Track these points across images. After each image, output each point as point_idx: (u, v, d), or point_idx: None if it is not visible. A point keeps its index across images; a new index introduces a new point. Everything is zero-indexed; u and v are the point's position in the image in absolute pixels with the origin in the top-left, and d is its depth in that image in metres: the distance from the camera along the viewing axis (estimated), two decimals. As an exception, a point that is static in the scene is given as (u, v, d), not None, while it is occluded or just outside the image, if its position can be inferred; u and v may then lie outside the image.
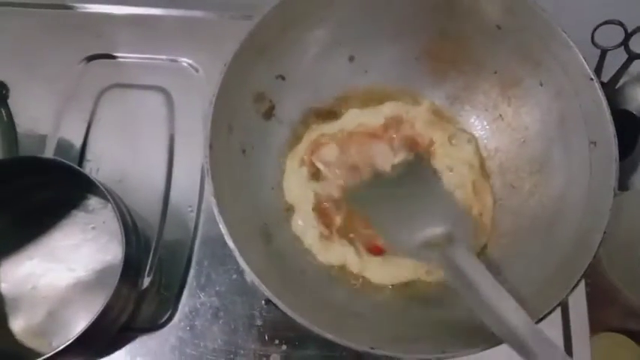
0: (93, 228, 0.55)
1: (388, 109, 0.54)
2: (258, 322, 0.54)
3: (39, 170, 0.52)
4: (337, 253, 0.49)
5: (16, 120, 0.63)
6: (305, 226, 0.50)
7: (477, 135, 0.55)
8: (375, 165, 0.53)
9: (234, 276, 0.55)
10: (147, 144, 0.62)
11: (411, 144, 0.54)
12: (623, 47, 0.59)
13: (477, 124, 0.55)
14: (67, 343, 0.44)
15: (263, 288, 0.40)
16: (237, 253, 0.40)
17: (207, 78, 0.65)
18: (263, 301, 0.54)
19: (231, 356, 0.53)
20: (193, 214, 0.58)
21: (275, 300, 0.39)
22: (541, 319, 0.39)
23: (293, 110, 0.54)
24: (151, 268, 0.56)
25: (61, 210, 0.56)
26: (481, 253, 0.49)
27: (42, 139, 0.62)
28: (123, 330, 0.52)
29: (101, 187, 0.50)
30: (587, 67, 0.45)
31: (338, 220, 0.50)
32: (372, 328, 0.43)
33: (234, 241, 0.40)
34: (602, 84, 0.46)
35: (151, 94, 0.64)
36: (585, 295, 0.54)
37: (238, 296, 0.55)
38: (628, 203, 0.56)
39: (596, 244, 0.41)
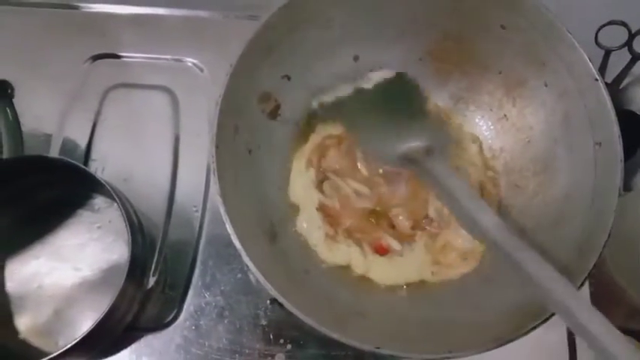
0: (99, 227, 0.56)
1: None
2: (263, 322, 0.54)
3: (44, 169, 0.52)
4: (342, 253, 0.49)
5: (22, 119, 0.63)
6: (310, 226, 0.50)
7: (481, 135, 0.55)
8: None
9: (239, 275, 0.55)
10: (152, 143, 0.62)
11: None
12: (626, 48, 0.59)
13: (482, 124, 0.55)
14: (73, 343, 0.44)
15: (269, 287, 0.40)
16: (243, 254, 0.40)
17: (213, 78, 0.65)
18: (268, 301, 0.54)
19: (236, 355, 0.53)
20: (198, 214, 0.59)
21: (281, 299, 0.39)
22: (545, 321, 0.39)
23: (298, 110, 0.54)
24: (156, 267, 0.56)
25: (66, 209, 0.56)
26: (484, 254, 0.49)
27: (47, 139, 0.62)
28: (128, 329, 0.52)
29: (107, 186, 0.50)
30: (592, 67, 0.45)
31: (346, 222, 0.50)
32: (377, 327, 0.44)
33: (241, 241, 0.41)
34: (606, 84, 0.46)
35: (156, 93, 0.64)
36: (589, 296, 0.54)
37: (243, 295, 0.55)
38: (632, 203, 0.56)
39: (601, 245, 0.41)
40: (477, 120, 0.55)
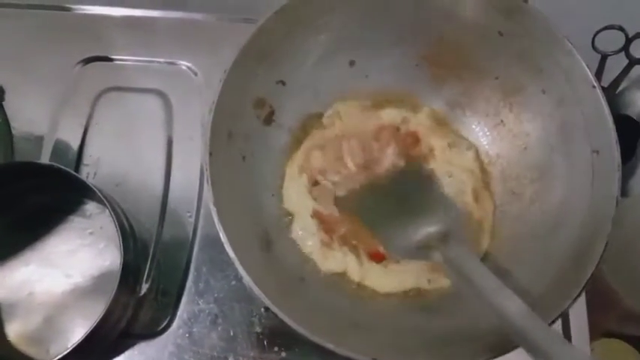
0: (90, 233, 0.55)
1: (387, 115, 0.54)
2: (258, 329, 0.53)
3: (35, 175, 0.51)
4: (338, 261, 0.49)
5: (12, 123, 0.62)
6: (305, 233, 0.50)
7: (478, 141, 0.54)
8: (372, 169, 0.53)
9: (233, 282, 0.55)
10: (145, 148, 0.61)
11: (410, 149, 0.54)
12: (623, 52, 0.59)
13: (478, 131, 0.54)
14: (65, 352, 0.44)
15: (263, 297, 0.39)
16: (237, 263, 0.40)
17: (206, 81, 0.64)
18: (262, 308, 0.54)
19: (230, 363, 0.52)
20: (192, 219, 0.58)
21: (275, 310, 0.39)
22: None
23: (293, 115, 0.54)
24: (149, 274, 0.55)
25: (57, 215, 0.55)
26: (482, 260, 0.49)
27: (38, 143, 0.61)
28: (121, 337, 0.52)
29: (98, 192, 0.49)
30: (590, 74, 0.45)
31: (341, 229, 0.50)
32: (374, 337, 0.43)
33: (235, 250, 0.40)
34: (602, 89, 0.46)
35: (148, 97, 0.64)
36: (585, 301, 0.54)
37: (237, 302, 0.54)
38: (628, 209, 0.56)
39: (598, 255, 0.40)
40: (473, 126, 0.55)
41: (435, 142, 0.53)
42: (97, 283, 0.53)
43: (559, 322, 0.53)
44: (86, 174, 0.60)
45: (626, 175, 0.59)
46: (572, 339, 0.52)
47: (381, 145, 0.54)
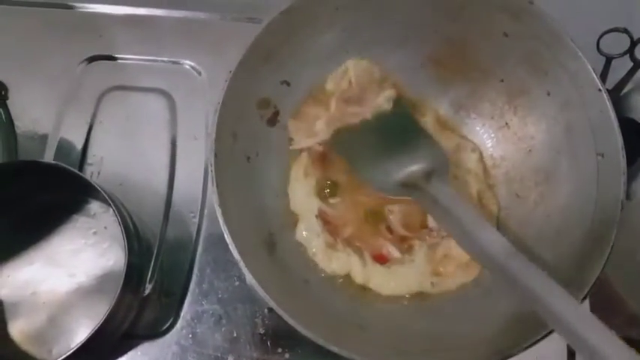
0: (94, 233, 0.55)
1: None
2: (261, 330, 0.53)
3: (39, 174, 0.51)
4: (341, 263, 0.49)
5: (16, 122, 0.62)
6: (309, 234, 0.50)
7: (482, 143, 0.54)
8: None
9: (237, 283, 0.55)
10: (149, 147, 0.61)
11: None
12: (628, 55, 0.59)
13: (483, 133, 0.54)
14: (69, 353, 0.44)
15: (268, 299, 0.39)
16: (242, 265, 0.40)
17: (210, 81, 0.64)
18: (266, 309, 0.54)
19: (233, 364, 0.52)
20: (196, 220, 0.58)
21: (280, 312, 0.39)
22: (547, 335, 0.38)
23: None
24: (152, 274, 0.55)
25: (61, 214, 0.55)
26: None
27: (42, 141, 0.61)
28: (125, 337, 0.52)
29: (102, 191, 0.49)
30: (595, 77, 0.44)
31: (346, 230, 0.50)
32: (377, 340, 0.43)
33: (240, 252, 0.40)
34: (607, 91, 0.45)
35: (152, 96, 0.64)
36: (589, 304, 0.54)
37: (241, 303, 0.54)
38: (632, 212, 0.56)
39: (603, 259, 0.40)
40: (477, 128, 0.55)
41: (441, 144, 0.53)
42: (101, 282, 0.53)
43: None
44: (90, 173, 0.60)
45: (630, 179, 0.59)
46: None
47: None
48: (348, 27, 0.52)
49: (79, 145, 0.61)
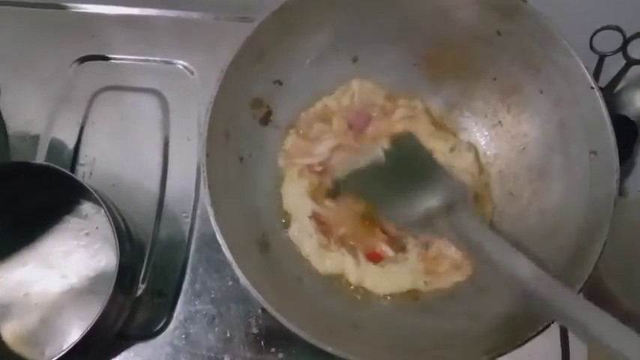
0: (86, 234, 0.55)
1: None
2: (255, 330, 0.53)
3: (30, 175, 0.51)
4: (335, 262, 0.49)
5: (7, 122, 0.61)
6: (302, 234, 0.49)
7: (476, 142, 0.54)
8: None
9: (230, 282, 0.55)
10: (141, 147, 0.61)
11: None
12: (621, 53, 0.59)
13: (476, 131, 0.54)
14: (61, 354, 0.43)
15: (261, 300, 0.39)
16: (234, 265, 0.40)
17: (203, 81, 0.64)
18: (259, 309, 0.53)
19: (227, 364, 0.52)
20: (188, 220, 0.58)
21: (273, 312, 0.39)
22: (540, 332, 0.38)
23: (291, 115, 0.53)
24: (145, 274, 0.55)
25: (53, 215, 0.55)
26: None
27: (34, 142, 0.61)
28: (117, 338, 0.52)
29: (94, 192, 0.49)
30: (588, 75, 0.44)
31: (340, 230, 0.50)
32: (371, 339, 0.43)
33: (232, 253, 0.40)
34: (599, 89, 0.45)
35: (145, 96, 0.63)
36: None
37: (234, 303, 0.54)
38: (625, 210, 0.56)
39: (596, 256, 0.40)
40: (471, 127, 0.55)
41: (436, 144, 0.52)
42: (93, 283, 0.53)
43: (557, 325, 0.53)
44: (82, 174, 0.59)
45: (623, 175, 0.59)
46: (569, 339, 0.52)
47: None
48: (339, 26, 0.51)
49: (71, 146, 0.61)
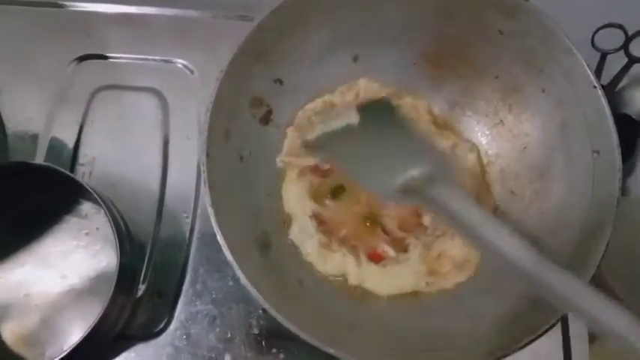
0: (86, 234, 0.54)
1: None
2: (256, 330, 0.53)
3: (30, 175, 0.51)
4: (336, 263, 0.48)
5: (7, 122, 0.61)
6: (303, 235, 0.49)
7: (477, 141, 0.54)
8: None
9: (231, 283, 0.54)
10: (141, 147, 0.61)
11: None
12: (623, 50, 0.59)
13: (478, 130, 0.54)
14: (62, 355, 0.43)
15: (262, 301, 0.39)
16: (235, 266, 0.40)
17: (202, 79, 0.63)
18: (260, 309, 0.53)
19: (228, 365, 0.52)
20: (189, 220, 0.57)
21: (274, 314, 0.39)
22: (541, 335, 0.38)
23: (291, 114, 0.53)
24: (145, 274, 0.55)
25: (53, 215, 0.55)
26: (479, 263, 0.49)
27: (33, 142, 0.61)
28: (118, 338, 0.52)
29: (93, 193, 0.49)
30: (590, 74, 0.44)
31: (341, 230, 0.49)
32: (372, 341, 0.43)
33: (233, 254, 0.40)
34: (602, 87, 0.45)
35: (144, 95, 0.63)
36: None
37: (235, 303, 0.54)
38: (627, 209, 0.56)
39: (599, 255, 0.40)
40: (472, 126, 0.54)
41: (439, 144, 0.52)
42: (94, 284, 0.53)
43: (558, 326, 0.52)
44: (82, 173, 0.59)
45: (625, 174, 0.58)
46: (571, 342, 0.52)
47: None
48: (339, 25, 0.51)
49: (71, 145, 0.60)
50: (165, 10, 0.67)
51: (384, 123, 0.48)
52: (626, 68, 0.60)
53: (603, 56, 0.60)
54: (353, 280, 0.48)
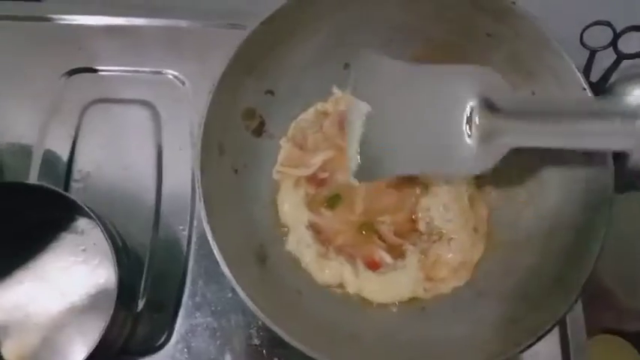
0: (83, 250, 0.54)
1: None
2: (256, 341, 0.53)
3: (25, 194, 0.50)
4: (334, 272, 0.48)
5: (-1, 139, 0.61)
6: (300, 245, 0.49)
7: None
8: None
9: (230, 294, 0.54)
10: (135, 160, 0.61)
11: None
12: (612, 48, 0.59)
13: (470, 134, 0.54)
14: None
15: (260, 314, 0.39)
16: (233, 281, 0.40)
17: (194, 89, 0.63)
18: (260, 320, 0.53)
19: (230, 376, 0.52)
20: (185, 232, 0.57)
21: (273, 327, 0.39)
22: (541, 338, 0.39)
23: (284, 125, 0.53)
24: (144, 289, 0.55)
25: (49, 232, 0.55)
26: (478, 265, 0.49)
27: (27, 156, 0.60)
28: (120, 354, 0.52)
29: (88, 210, 0.49)
30: (580, 76, 0.44)
31: (338, 238, 0.50)
32: (372, 350, 0.43)
33: (230, 267, 0.40)
34: (591, 84, 0.45)
35: (136, 108, 0.63)
36: (580, 299, 0.54)
37: (234, 314, 0.54)
38: (621, 207, 0.56)
39: (593, 258, 0.41)
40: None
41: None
42: (93, 300, 0.53)
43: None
44: (76, 189, 0.59)
45: (619, 174, 0.59)
46: (569, 337, 0.53)
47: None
48: (330, 33, 0.51)
49: (65, 160, 0.60)
50: (155, 20, 0.67)
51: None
52: (615, 65, 0.60)
53: (592, 53, 0.61)
54: (351, 289, 0.48)
